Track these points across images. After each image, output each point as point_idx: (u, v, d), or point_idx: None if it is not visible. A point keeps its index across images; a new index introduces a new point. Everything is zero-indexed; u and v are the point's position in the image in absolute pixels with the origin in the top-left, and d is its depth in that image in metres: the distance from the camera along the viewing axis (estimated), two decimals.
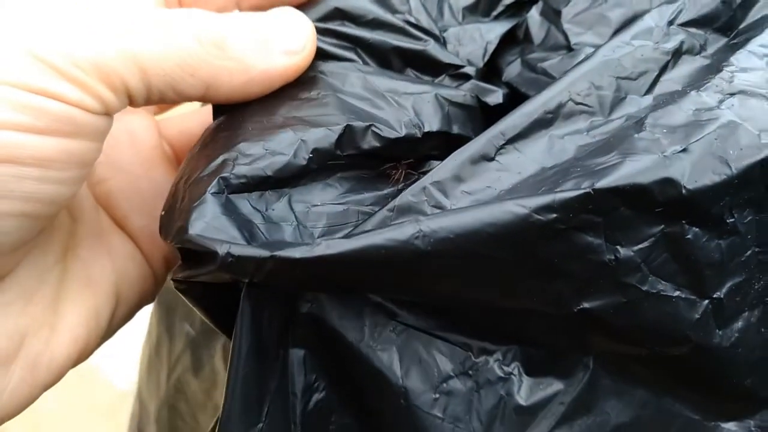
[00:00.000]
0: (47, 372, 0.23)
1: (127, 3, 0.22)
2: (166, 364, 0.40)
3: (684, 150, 0.20)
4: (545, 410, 0.23)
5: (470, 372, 0.23)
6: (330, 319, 0.22)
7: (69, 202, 0.22)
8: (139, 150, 0.28)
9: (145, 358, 0.43)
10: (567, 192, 0.19)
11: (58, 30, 0.20)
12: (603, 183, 0.19)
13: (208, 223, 0.20)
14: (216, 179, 0.21)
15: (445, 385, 0.23)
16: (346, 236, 0.19)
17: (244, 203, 0.21)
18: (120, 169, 0.27)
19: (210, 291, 0.22)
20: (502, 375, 0.23)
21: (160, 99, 0.22)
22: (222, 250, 0.19)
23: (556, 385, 0.23)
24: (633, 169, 0.19)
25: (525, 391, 0.23)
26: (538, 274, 0.20)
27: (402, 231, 0.19)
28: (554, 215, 0.19)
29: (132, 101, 0.22)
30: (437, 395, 0.23)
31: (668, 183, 0.19)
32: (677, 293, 0.21)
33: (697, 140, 0.20)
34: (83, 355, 0.25)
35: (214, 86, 0.22)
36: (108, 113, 0.21)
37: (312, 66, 0.25)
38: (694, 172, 0.20)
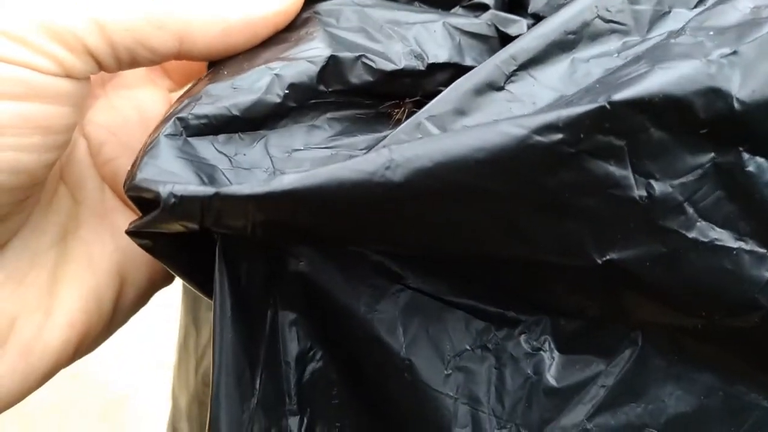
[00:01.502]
0: (41, 359, 0.22)
1: None
2: (194, 357, 0.38)
3: (734, 53, 0.15)
4: (582, 394, 0.20)
5: (489, 345, 0.20)
6: (322, 279, 0.20)
7: (43, 172, 0.21)
8: (149, 126, 0.26)
9: (176, 351, 0.42)
10: (575, 107, 0.15)
11: None
12: (623, 95, 0.15)
13: (159, 167, 0.17)
14: (172, 120, 0.18)
15: (458, 359, 0.20)
16: (307, 170, 0.16)
17: (207, 146, 0.18)
18: (128, 147, 0.25)
19: (180, 247, 0.19)
20: (529, 350, 0.20)
21: (133, 60, 0.21)
22: (164, 190, 0.16)
23: (596, 365, 0.20)
24: (664, 78, 0.15)
25: (557, 370, 0.20)
26: (546, 213, 0.16)
27: (370, 160, 0.16)
28: (560, 135, 0.15)
29: (101, 64, 0.20)
30: (449, 371, 0.20)
31: (714, 94, 0.15)
32: (739, 244, 0.17)
33: (753, 40, 0.15)
34: (84, 342, 0.24)
35: (188, 39, 0.21)
36: (70, 75, 0.20)
37: (306, 8, 0.23)
38: (749, 79, 0.15)
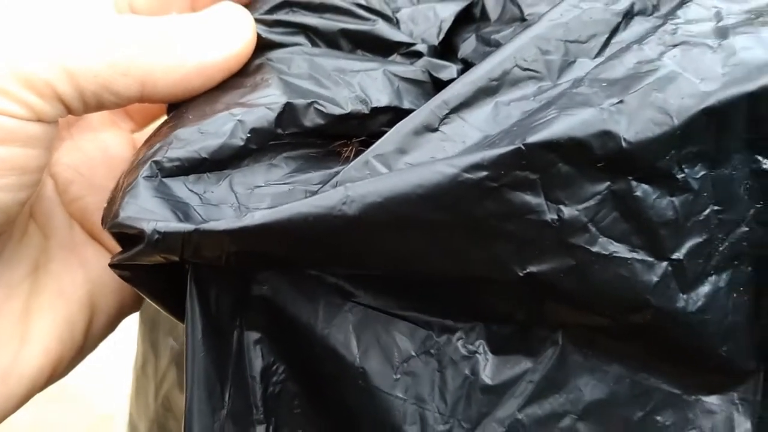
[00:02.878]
0: (18, 386, 0.23)
1: (56, 12, 0.23)
2: (153, 382, 0.39)
3: (621, 101, 0.19)
4: (513, 389, 0.23)
5: (432, 351, 0.23)
6: (283, 301, 0.22)
7: (16, 209, 0.22)
8: (113, 165, 0.28)
9: (133, 378, 0.43)
10: (497, 149, 0.18)
11: None
12: (535, 138, 0.18)
13: (140, 206, 0.19)
14: (149, 163, 0.20)
15: (406, 365, 0.22)
16: (275, 206, 0.19)
17: (179, 186, 0.21)
18: (95, 186, 0.27)
19: (155, 276, 0.21)
20: (466, 354, 0.23)
21: (99, 104, 0.22)
22: (149, 227, 0.18)
23: (524, 363, 0.23)
24: (568, 123, 0.19)
25: (491, 369, 0.23)
26: (476, 236, 0.19)
27: (329, 197, 0.18)
28: (484, 173, 0.18)
29: (69, 108, 0.22)
30: (398, 376, 0.22)
31: (606, 135, 0.19)
32: (632, 255, 0.20)
33: (636, 91, 0.19)
34: (58, 367, 0.25)
35: (149, 84, 0.22)
36: (41, 120, 0.21)
37: (259, 55, 0.25)
38: (633, 123, 0.19)
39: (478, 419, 0.22)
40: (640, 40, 0.22)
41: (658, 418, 0.23)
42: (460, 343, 0.23)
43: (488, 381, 0.22)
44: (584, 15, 0.23)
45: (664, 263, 0.21)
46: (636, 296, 0.21)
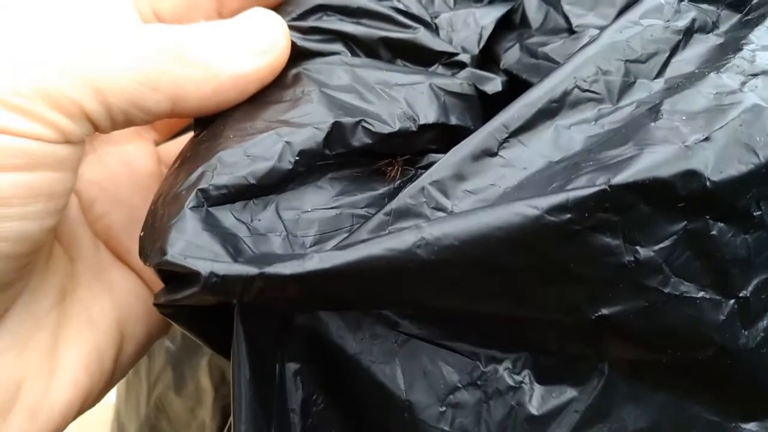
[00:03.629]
0: (48, 421, 0.22)
1: (81, 24, 0.21)
2: (146, 383, 0.38)
3: (707, 138, 0.18)
4: (559, 419, 0.22)
5: (478, 382, 0.22)
6: (326, 332, 0.21)
7: (44, 237, 0.21)
8: (137, 180, 0.27)
9: (123, 380, 0.41)
10: (581, 190, 0.17)
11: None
12: (620, 178, 0.17)
13: (189, 241, 0.18)
14: (194, 192, 0.19)
15: (452, 397, 0.22)
16: (341, 247, 0.17)
17: (227, 215, 0.19)
18: (118, 202, 0.26)
19: (200, 313, 0.20)
20: (513, 384, 0.22)
21: (128, 120, 0.21)
22: (205, 269, 0.17)
23: (570, 393, 0.22)
24: (652, 161, 0.17)
25: (537, 399, 0.22)
26: (552, 280, 0.18)
27: (402, 239, 0.17)
28: (568, 215, 0.17)
29: (96, 126, 0.20)
30: (444, 408, 0.21)
31: (691, 175, 0.18)
32: (701, 294, 0.20)
33: (721, 127, 0.18)
34: (87, 400, 0.24)
35: (181, 98, 0.21)
36: (69, 141, 0.20)
37: (295, 65, 0.24)
38: (718, 162, 0.18)
39: None
40: (710, 64, 0.21)
41: None
42: (506, 373, 0.22)
43: (534, 411, 0.22)
44: (645, 33, 0.22)
45: (731, 301, 0.20)
46: (701, 335, 0.20)
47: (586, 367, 0.22)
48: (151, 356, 0.38)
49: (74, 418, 0.23)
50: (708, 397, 0.22)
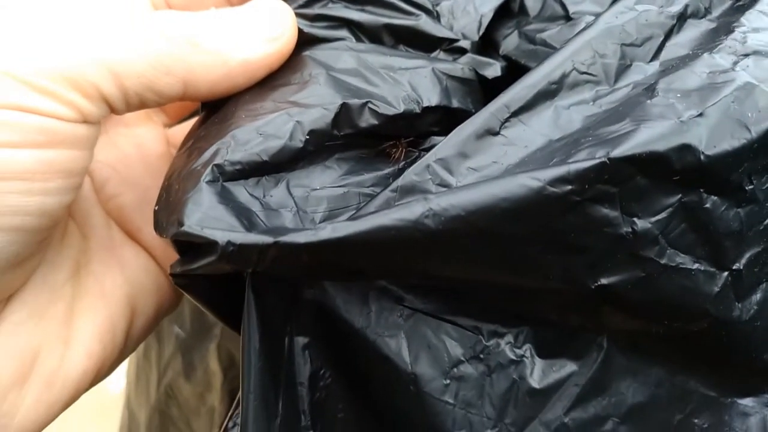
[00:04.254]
0: (63, 389, 0.23)
1: (97, 11, 0.22)
2: (156, 370, 0.39)
3: (701, 114, 0.19)
4: (559, 392, 0.23)
5: (481, 356, 0.22)
6: (334, 306, 0.21)
7: (62, 213, 0.22)
8: (148, 161, 0.28)
9: (133, 365, 0.42)
10: (582, 162, 0.18)
11: (24, 44, 0.20)
12: (618, 151, 0.18)
13: (205, 213, 0.18)
14: (210, 167, 0.19)
15: (455, 370, 0.22)
16: (352, 218, 0.18)
17: (241, 190, 0.20)
18: (130, 183, 0.27)
19: (213, 284, 0.21)
20: (514, 358, 0.22)
21: (141, 102, 0.22)
22: (222, 239, 0.18)
23: (570, 366, 0.23)
24: (649, 135, 0.18)
25: (538, 373, 0.23)
26: (553, 250, 0.19)
27: (411, 210, 0.18)
28: (569, 187, 0.18)
29: (112, 107, 0.21)
30: (448, 381, 0.22)
31: (686, 149, 0.18)
32: (696, 266, 0.20)
33: (714, 104, 0.19)
34: (101, 371, 0.24)
35: (192, 82, 0.22)
36: (87, 121, 0.21)
37: (302, 50, 0.24)
38: (712, 137, 0.19)
39: (525, 423, 0.22)
40: (704, 46, 0.22)
41: (696, 420, 0.23)
42: (508, 348, 0.23)
43: (535, 384, 0.22)
44: (640, 18, 0.23)
45: (725, 273, 0.21)
46: (696, 306, 0.21)
47: (585, 342, 0.23)
48: (161, 343, 0.39)
49: (87, 388, 0.24)
50: (704, 371, 0.23)
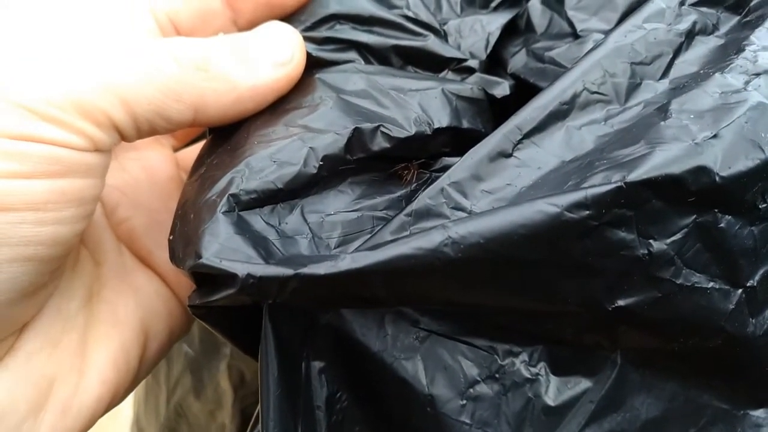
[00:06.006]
0: (78, 417, 0.23)
1: (105, 38, 0.22)
2: (165, 388, 0.39)
3: (715, 136, 0.19)
4: (574, 409, 0.23)
5: (497, 375, 0.23)
6: (351, 330, 0.21)
7: (75, 241, 0.22)
8: (157, 185, 0.28)
9: (141, 383, 0.42)
10: (598, 187, 0.18)
11: (32, 73, 0.20)
12: (634, 175, 0.18)
13: (223, 245, 0.18)
14: (225, 197, 0.19)
15: (471, 390, 0.22)
16: (371, 247, 0.18)
17: (257, 219, 0.20)
18: (140, 207, 0.27)
19: (229, 313, 0.21)
20: (529, 376, 0.23)
21: (152, 129, 0.22)
22: (242, 271, 0.18)
23: (584, 383, 0.23)
24: (664, 158, 0.18)
25: (553, 391, 0.23)
26: (571, 274, 0.19)
27: (430, 239, 0.18)
28: (587, 212, 0.18)
29: (123, 135, 0.21)
30: (464, 401, 0.22)
31: (701, 171, 0.19)
32: (711, 284, 0.20)
33: (728, 125, 0.19)
34: (116, 397, 0.24)
35: (202, 109, 0.22)
36: (98, 149, 0.21)
37: (311, 72, 0.24)
38: (726, 157, 0.19)
39: None
40: (713, 64, 0.22)
41: None
42: (523, 366, 0.23)
43: (550, 402, 0.22)
44: (649, 36, 0.23)
45: (740, 291, 0.21)
46: (711, 323, 0.21)
47: (599, 358, 0.23)
48: (170, 361, 0.39)
49: (102, 415, 0.24)
50: (718, 385, 0.23)
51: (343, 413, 0.23)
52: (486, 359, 0.22)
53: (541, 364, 0.23)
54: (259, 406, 0.20)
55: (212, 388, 0.36)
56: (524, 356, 0.23)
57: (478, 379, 0.22)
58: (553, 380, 0.23)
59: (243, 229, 0.19)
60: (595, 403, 0.23)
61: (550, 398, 0.23)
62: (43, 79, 0.20)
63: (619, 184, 0.18)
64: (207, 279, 0.19)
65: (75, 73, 0.20)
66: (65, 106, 0.19)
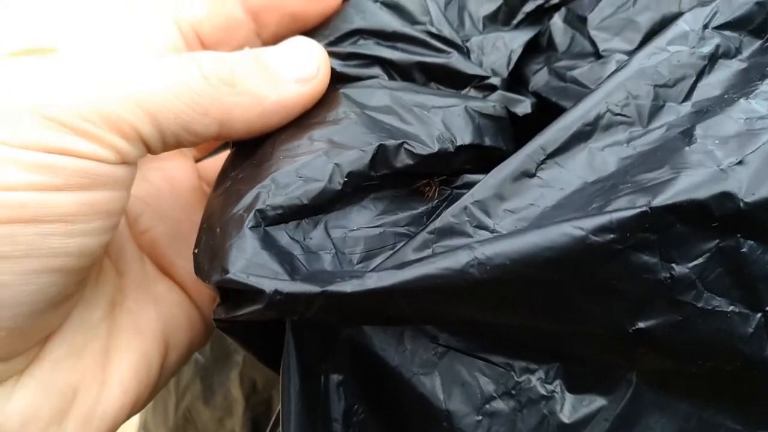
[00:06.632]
0: (100, 426, 0.23)
1: (133, 51, 0.22)
2: (174, 394, 0.39)
3: (740, 162, 0.19)
4: (589, 427, 0.23)
5: (513, 392, 0.23)
6: (370, 344, 0.22)
7: (101, 252, 0.22)
8: (179, 195, 0.28)
9: None
10: (623, 211, 0.18)
11: (63, 86, 0.20)
12: (659, 200, 0.18)
13: (249, 260, 0.19)
14: (252, 213, 0.20)
15: (488, 406, 0.22)
16: (397, 266, 0.18)
17: (282, 234, 0.20)
18: (162, 217, 0.27)
19: (252, 327, 0.21)
20: (545, 393, 0.23)
21: (177, 142, 0.22)
22: (269, 287, 0.18)
23: (599, 402, 0.23)
24: (689, 184, 0.18)
25: (568, 408, 0.23)
26: (594, 296, 0.19)
27: (456, 259, 0.18)
28: (612, 236, 0.18)
29: (149, 148, 0.22)
30: (480, 417, 0.22)
31: (726, 197, 0.19)
32: (731, 308, 0.20)
33: (753, 151, 0.19)
34: (136, 406, 0.25)
35: (228, 123, 0.22)
36: (125, 162, 0.21)
37: (335, 87, 0.25)
38: (751, 184, 0.19)
39: None
40: (737, 89, 0.22)
41: None
42: (539, 383, 0.23)
43: (565, 420, 0.23)
44: (672, 58, 0.23)
45: (759, 315, 0.21)
46: (730, 347, 0.21)
47: (615, 377, 0.23)
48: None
49: (122, 423, 0.24)
50: (732, 407, 0.23)
51: (360, 426, 0.23)
52: (503, 376, 0.23)
53: (557, 382, 0.23)
54: (279, 418, 0.21)
55: (222, 396, 0.36)
56: (540, 373, 0.23)
57: (495, 395, 0.23)
58: (569, 398, 0.23)
59: (269, 244, 0.19)
60: (609, 422, 0.23)
61: (565, 416, 0.23)
62: (73, 93, 0.20)
63: (644, 208, 0.18)
64: (232, 293, 0.19)
65: (103, 87, 0.20)
66: (95, 119, 0.20)
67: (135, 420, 0.45)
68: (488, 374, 0.22)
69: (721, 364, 0.22)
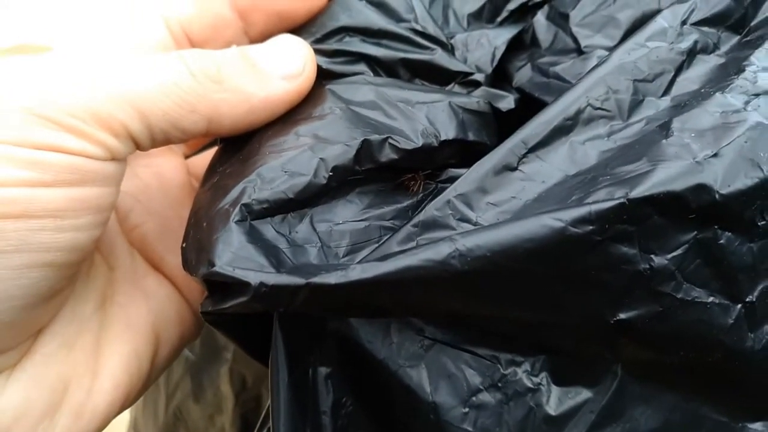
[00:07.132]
0: (91, 420, 0.23)
1: (122, 49, 0.22)
2: (164, 392, 0.39)
3: (715, 155, 0.19)
4: (575, 419, 0.23)
5: (499, 384, 0.23)
6: (357, 337, 0.22)
7: (91, 247, 0.22)
8: (169, 191, 0.28)
9: None
10: (602, 203, 0.18)
11: (52, 84, 0.20)
12: (637, 192, 0.19)
13: (235, 253, 0.19)
14: (238, 207, 0.20)
15: (474, 398, 0.23)
16: (380, 258, 0.19)
17: (268, 228, 0.20)
18: (152, 213, 0.27)
19: (240, 320, 0.21)
20: (531, 386, 0.23)
21: (166, 139, 0.22)
22: (255, 280, 0.18)
23: (585, 394, 0.23)
24: (666, 176, 0.19)
25: (554, 400, 0.23)
26: (574, 287, 0.19)
27: (438, 251, 0.18)
28: (591, 227, 0.18)
29: (138, 144, 0.22)
30: (467, 409, 0.22)
31: (702, 189, 0.19)
32: (711, 299, 0.21)
33: (728, 144, 0.19)
34: (127, 400, 0.25)
35: (216, 119, 0.23)
36: (115, 158, 0.21)
37: (321, 83, 0.25)
38: (726, 176, 0.19)
39: None
40: (714, 83, 0.22)
41: None
42: (525, 376, 0.23)
43: (551, 412, 0.23)
44: (651, 54, 0.23)
45: (739, 306, 0.21)
46: (711, 337, 0.21)
47: (600, 369, 0.23)
48: (169, 368, 0.39)
49: (114, 417, 0.24)
50: (716, 398, 0.23)
51: (348, 418, 0.23)
52: (489, 368, 0.23)
53: (543, 374, 0.23)
54: (268, 410, 0.21)
55: (212, 393, 0.36)
56: (526, 366, 0.23)
57: (481, 387, 0.23)
58: (555, 390, 0.23)
59: (255, 238, 0.19)
60: (595, 414, 0.23)
61: (551, 408, 0.23)
62: (63, 90, 0.20)
63: (622, 200, 0.18)
64: (219, 286, 0.19)
65: (93, 85, 0.20)
66: (85, 116, 0.20)
67: (125, 419, 0.45)
68: (474, 367, 0.23)
69: (703, 355, 0.22)
